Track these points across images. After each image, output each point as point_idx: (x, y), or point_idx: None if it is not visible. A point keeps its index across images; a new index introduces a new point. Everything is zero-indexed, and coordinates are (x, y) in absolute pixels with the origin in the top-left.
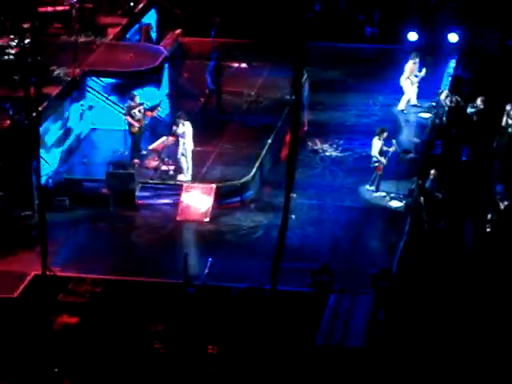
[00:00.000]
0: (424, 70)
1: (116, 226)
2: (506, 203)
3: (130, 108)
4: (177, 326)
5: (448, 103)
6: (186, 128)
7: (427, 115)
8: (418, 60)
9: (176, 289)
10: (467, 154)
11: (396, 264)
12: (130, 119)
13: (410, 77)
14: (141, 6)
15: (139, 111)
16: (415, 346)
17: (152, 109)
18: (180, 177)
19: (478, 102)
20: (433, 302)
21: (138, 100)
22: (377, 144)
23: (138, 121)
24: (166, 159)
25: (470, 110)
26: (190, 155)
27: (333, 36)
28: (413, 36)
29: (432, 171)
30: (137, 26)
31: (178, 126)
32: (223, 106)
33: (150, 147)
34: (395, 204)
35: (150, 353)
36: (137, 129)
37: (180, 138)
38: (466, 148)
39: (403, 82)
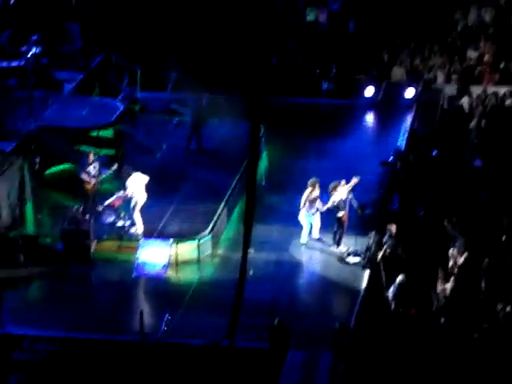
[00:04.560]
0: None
1: (72, 282)
2: (465, 255)
3: (85, 165)
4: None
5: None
6: (131, 181)
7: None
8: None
9: (132, 346)
10: (423, 209)
11: (354, 320)
12: (85, 176)
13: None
14: (97, 61)
15: (94, 168)
16: None
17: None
18: (132, 229)
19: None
20: (391, 358)
21: (92, 157)
22: (333, 197)
23: (93, 177)
24: (123, 214)
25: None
26: (137, 207)
27: (289, 91)
28: (369, 91)
29: (389, 226)
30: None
31: (125, 181)
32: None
33: (106, 203)
34: (353, 259)
35: None
36: (91, 186)
37: (131, 192)
38: (421, 202)
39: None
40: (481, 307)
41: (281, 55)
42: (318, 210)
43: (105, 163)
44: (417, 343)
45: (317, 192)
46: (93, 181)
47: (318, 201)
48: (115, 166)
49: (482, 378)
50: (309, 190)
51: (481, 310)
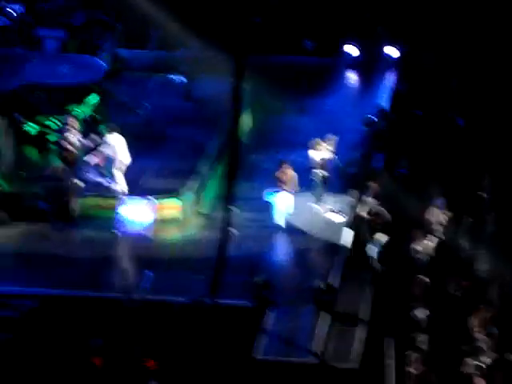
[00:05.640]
0: None
1: (54, 239)
2: (447, 213)
3: (65, 131)
4: (115, 340)
5: None
6: (112, 139)
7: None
8: None
9: (115, 303)
10: (405, 167)
11: (338, 278)
12: (64, 143)
13: None
14: (79, 18)
15: (73, 136)
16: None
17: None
18: (115, 187)
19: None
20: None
21: (71, 122)
22: (313, 155)
23: (70, 145)
24: (105, 172)
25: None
26: (120, 166)
27: (272, 49)
28: (353, 50)
29: (372, 184)
30: None
31: (107, 139)
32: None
33: (87, 159)
34: (336, 218)
35: (88, 368)
36: (68, 153)
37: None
38: (404, 161)
39: None
40: (461, 266)
41: (264, 13)
42: (294, 190)
43: (86, 126)
44: (399, 301)
45: (291, 172)
46: (70, 148)
47: (295, 182)
48: (93, 138)
49: (463, 335)
50: (280, 171)
51: (461, 268)
